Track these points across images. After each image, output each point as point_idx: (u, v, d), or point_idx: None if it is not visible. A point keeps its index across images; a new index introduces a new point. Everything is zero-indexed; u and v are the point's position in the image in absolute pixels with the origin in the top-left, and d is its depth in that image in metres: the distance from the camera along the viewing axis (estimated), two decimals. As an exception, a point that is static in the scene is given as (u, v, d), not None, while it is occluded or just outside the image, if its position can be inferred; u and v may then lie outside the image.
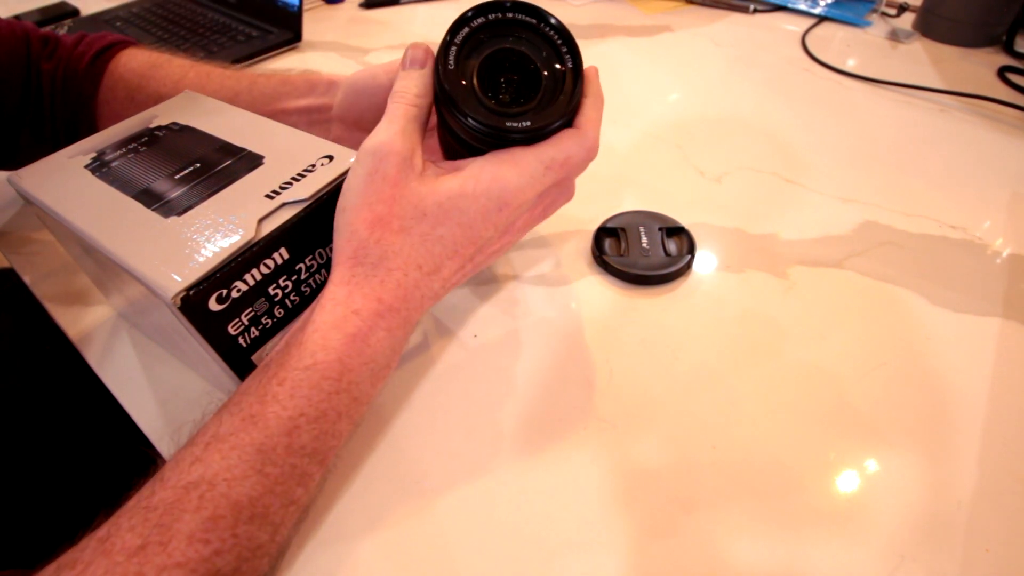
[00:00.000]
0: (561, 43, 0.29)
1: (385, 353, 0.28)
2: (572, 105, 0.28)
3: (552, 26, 0.28)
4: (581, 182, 0.34)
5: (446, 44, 0.28)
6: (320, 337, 0.26)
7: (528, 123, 0.27)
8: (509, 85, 0.29)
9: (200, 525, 0.21)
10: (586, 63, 0.29)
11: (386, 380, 0.29)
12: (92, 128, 0.42)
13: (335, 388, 0.26)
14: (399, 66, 0.31)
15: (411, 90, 0.29)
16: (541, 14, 0.29)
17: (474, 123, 0.27)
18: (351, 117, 0.38)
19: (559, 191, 0.32)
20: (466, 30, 0.28)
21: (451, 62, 0.28)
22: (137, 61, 0.42)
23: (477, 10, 0.28)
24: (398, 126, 0.28)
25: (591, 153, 0.30)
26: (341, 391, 0.26)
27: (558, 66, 0.29)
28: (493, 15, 0.28)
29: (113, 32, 0.45)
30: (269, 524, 0.24)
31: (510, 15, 0.28)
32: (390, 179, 0.27)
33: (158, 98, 0.40)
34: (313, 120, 0.39)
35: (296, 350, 0.26)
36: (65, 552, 0.21)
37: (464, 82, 0.28)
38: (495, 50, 0.28)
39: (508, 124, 0.27)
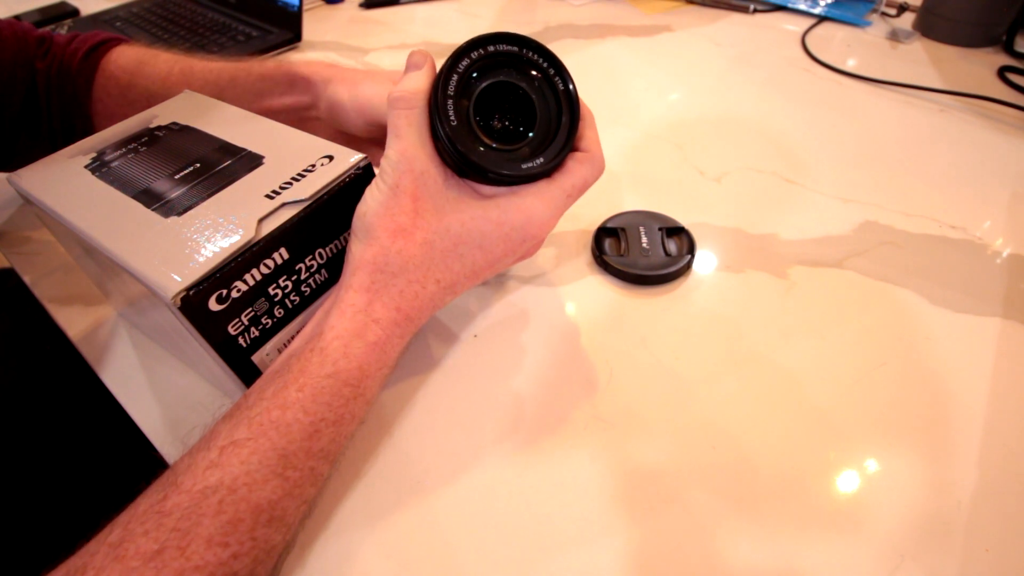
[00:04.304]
0: (562, 88, 0.30)
1: (396, 357, 0.29)
2: (556, 162, 0.29)
3: (570, 92, 0.30)
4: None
5: (445, 75, 0.28)
6: (342, 345, 0.26)
7: (506, 172, 0.28)
8: (505, 119, 0.30)
9: (219, 529, 0.21)
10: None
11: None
12: (88, 126, 0.42)
13: (354, 394, 0.26)
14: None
15: (407, 88, 0.29)
16: (564, 73, 0.30)
17: (449, 145, 0.28)
18: (343, 128, 0.38)
19: None
20: (467, 60, 0.28)
21: (451, 93, 0.28)
22: (126, 58, 0.42)
23: (497, 38, 0.28)
24: (406, 139, 0.28)
25: (601, 172, 0.31)
26: (358, 396, 0.27)
27: (562, 117, 0.30)
28: (497, 47, 0.29)
29: (109, 31, 0.45)
30: (284, 525, 0.24)
31: (520, 51, 0.29)
32: (411, 193, 0.28)
33: (148, 95, 0.40)
34: (301, 118, 0.39)
35: (317, 356, 0.26)
36: (71, 557, 0.21)
37: (461, 116, 0.28)
38: (495, 81, 0.29)
39: (481, 162, 0.28)
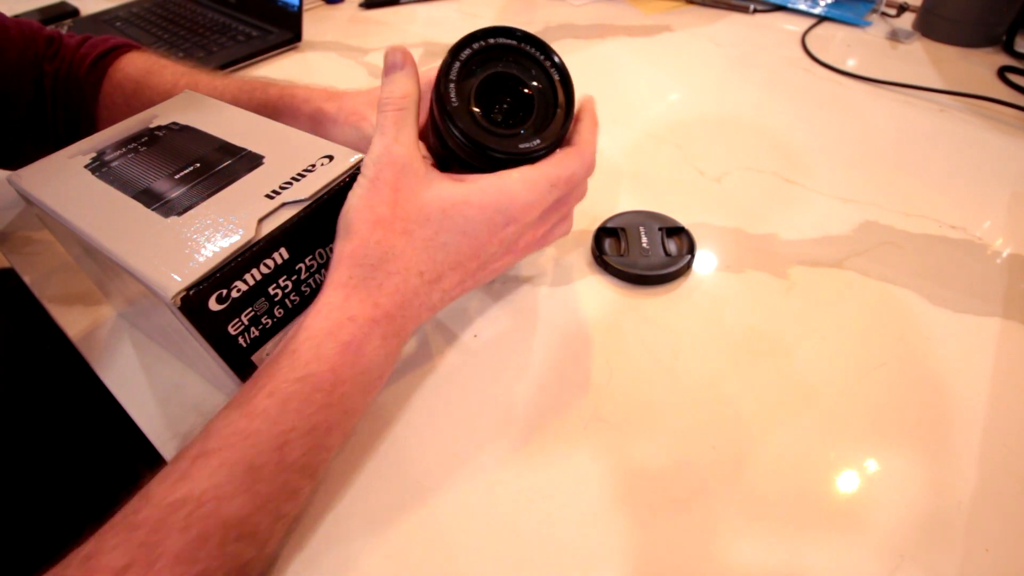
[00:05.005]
0: (559, 79, 0.31)
1: (378, 363, 0.27)
2: (551, 145, 0.30)
3: (555, 64, 0.31)
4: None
5: (449, 62, 0.29)
6: (313, 346, 0.25)
7: (512, 151, 0.29)
8: (503, 106, 0.31)
9: (187, 545, 0.21)
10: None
11: (378, 392, 0.29)
12: (92, 132, 0.42)
13: (327, 401, 0.25)
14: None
15: (395, 93, 0.29)
16: (546, 49, 0.31)
17: (461, 137, 0.29)
18: None
19: (560, 217, 0.33)
20: (468, 51, 0.29)
21: (453, 78, 0.29)
22: (134, 66, 0.42)
23: (484, 33, 0.30)
24: (390, 136, 0.28)
25: (590, 170, 0.31)
26: (332, 404, 0.25)
27: (559, 102, 0.31)
28: (498, 40, 0.30)
29: (115, 33, 0.45)
30: (257, 541, 0.23)
31: (519, 44, 0.30)
32: (391, 184, 0.27)
33: (152, 106, 0.40)
34: None
35: (287, 359, 0.25)
36: (48, 571, 0.21)
37: (463, 99, 0.29)
38: (495, 72, 0.30)
39: (481, 140, 0.29)
